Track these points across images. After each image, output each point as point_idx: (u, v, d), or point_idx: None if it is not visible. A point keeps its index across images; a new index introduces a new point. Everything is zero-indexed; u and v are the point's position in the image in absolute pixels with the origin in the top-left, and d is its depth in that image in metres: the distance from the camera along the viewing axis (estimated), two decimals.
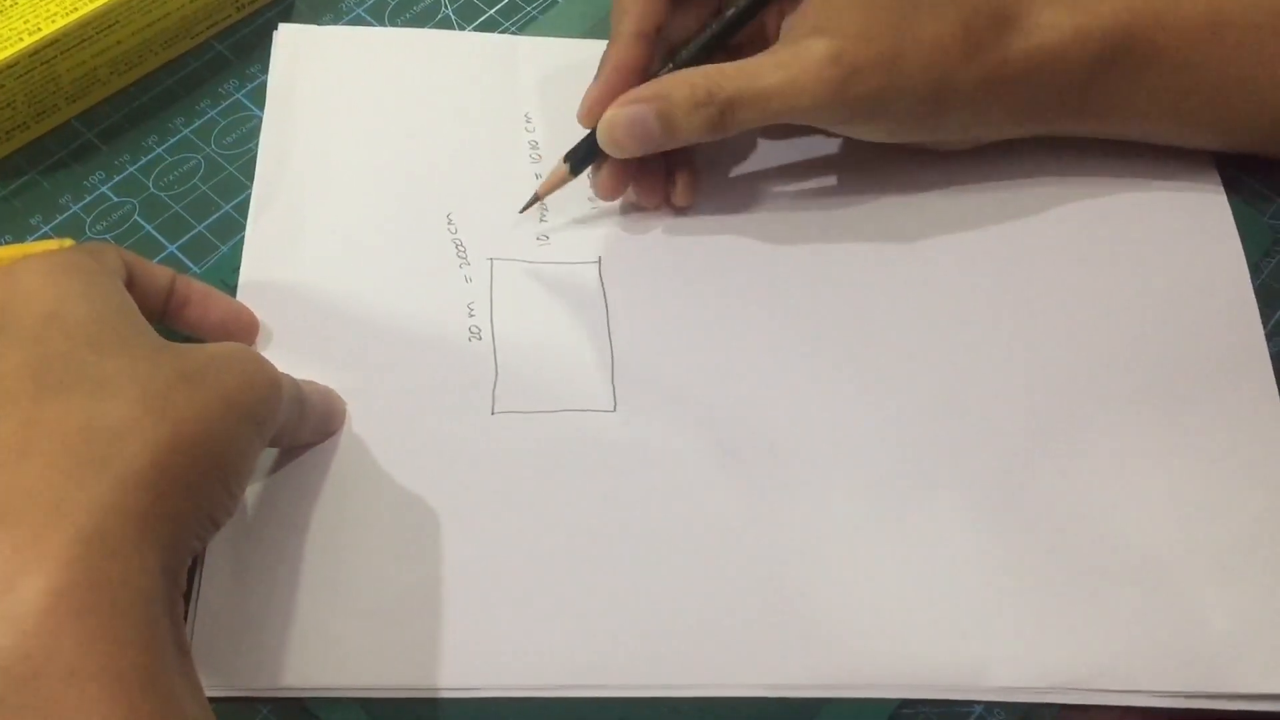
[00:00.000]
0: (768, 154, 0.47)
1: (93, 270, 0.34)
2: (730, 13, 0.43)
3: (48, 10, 0.44)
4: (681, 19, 0.44)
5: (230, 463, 0.32)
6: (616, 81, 0.42)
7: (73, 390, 0.30)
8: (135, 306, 0.34)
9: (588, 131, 0.43)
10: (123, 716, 0.26)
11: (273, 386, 0.34)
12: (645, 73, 0.43)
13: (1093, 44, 0.41)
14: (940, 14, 0.41)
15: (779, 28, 0.42)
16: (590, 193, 0.46)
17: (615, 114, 0.41)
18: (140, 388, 0.30)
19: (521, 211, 0.45)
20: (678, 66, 0.42)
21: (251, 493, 0.39)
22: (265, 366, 0.34)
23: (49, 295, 0.32)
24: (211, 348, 0.33)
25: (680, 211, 0.45)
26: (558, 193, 0.46)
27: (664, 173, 0.45)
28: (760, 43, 0.43)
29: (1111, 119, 0.44)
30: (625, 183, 0.44)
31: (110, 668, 0.27)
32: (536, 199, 0.45)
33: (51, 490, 0.28)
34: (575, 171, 0.44)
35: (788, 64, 0.40)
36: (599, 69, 0.43)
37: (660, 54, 0.44)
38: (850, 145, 0.47)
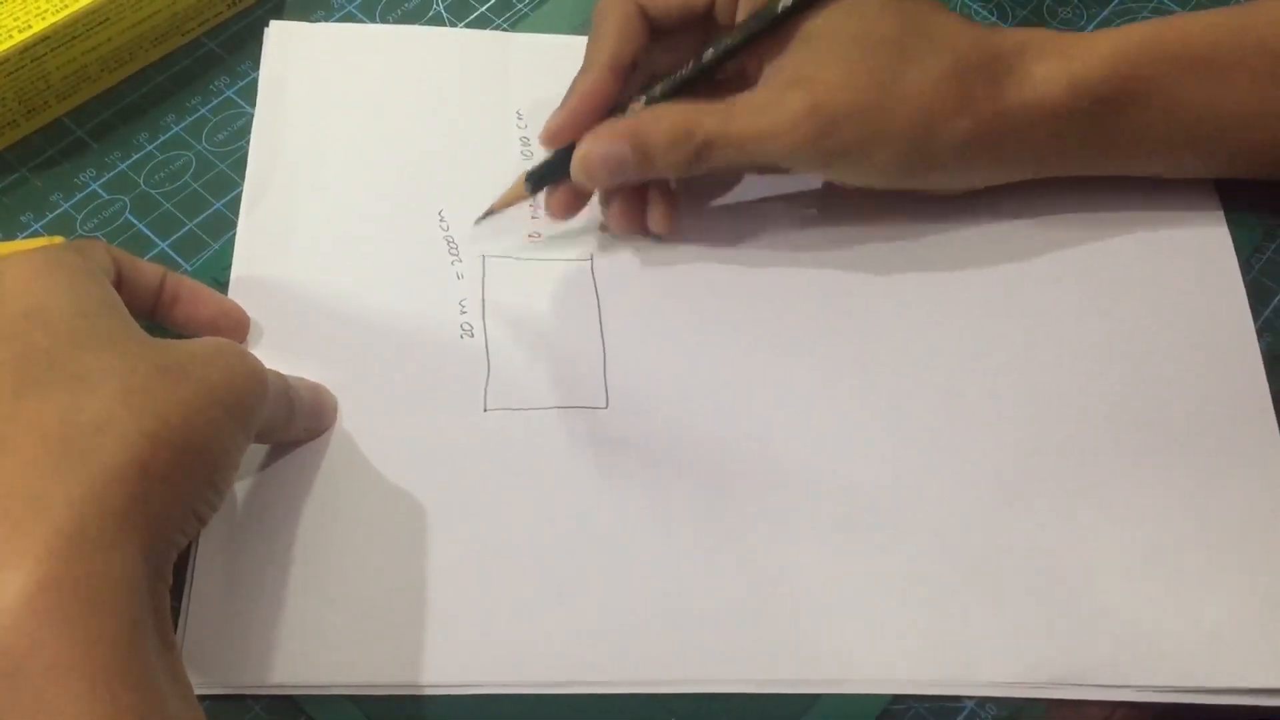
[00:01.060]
0: None
1: (77, 266, 0.33)
2: (709, 52, 0.41)
3: (38, 7, 0.44)
4: (660, 51, 0.43)
5: (214, 457, 0.32)
6: (583, 111, 0.41)
7: (53, 386, 0.30)
8: (120, 302, 0.34)
9: (550, 152, 0.42)
10: (104, 711, 0.26)
11: (257, 380, 0.34)
12: (613, 104, 0.42)
13: (1087, 95, 0.41)
14: (928, 65, 0.40)
15: (760, 66, 0.42)
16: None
17: (591, 148, 0.41)
18: (121, 382, 0.30)
19: (476, 223, 0.44)
20: (652, 101, 0.42)
21: (243, 490, 0.39)
22: (249, 360, 0.34)
23: (32, 291, 0.32)
24: (195, 343, 0.33)
25: (659, 239, 0.44)
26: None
27: (641, 201, 0.44)
28: (739, 81, 0.42)
29: (1103, 163, 0.44)
30: (579, 205, 0.44)
31: (91, 662, 0.27)
32: (490, 212, 0.44)
33: (30, 486, 0.28)
34: (534, 190, 0.43)
35: (765, 111, 0.40)
36: (567, 94, 0.42)
37: (634, 84, 0.43)
38: None
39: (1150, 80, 0.41)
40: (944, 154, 0.41)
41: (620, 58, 0.41)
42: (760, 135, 0.40)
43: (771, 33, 0.41)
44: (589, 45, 0.43)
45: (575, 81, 0.42)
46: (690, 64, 0.42)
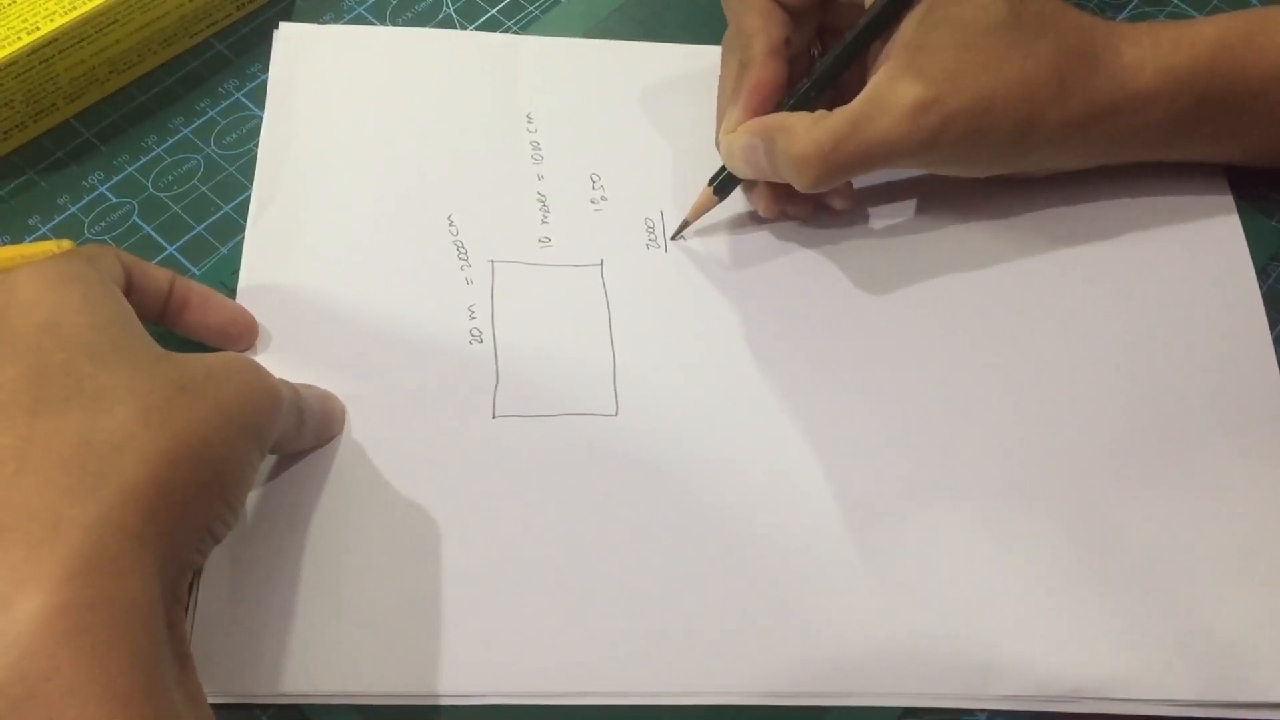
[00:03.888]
0: None
1: (91, 278, 0.33)
2: (838, 50, 0.42)
3: (46, 9, 0.44)
4: (797, 32, 0.43)
5: (230, 476, 0.31)
6: (757, 105, 0.42)
7: (70, 403, 0.29)
8: (134, 315, 0.34)
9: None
10: None
11: (272, 397, 0.34)
12: (784, 87, 0.42)
13: (1177, 84, 0.41)
14: (1033, 53, 0.40)
15: (877, 52, 0.42)
16: (592, 194, 0.46)
17: (733, 139, 0.42)
18: (139, 401, 0.30)
19: (672, 239, 0.45)
20: (796, 102, 0.42)
21: (250, 498, 0.38)
22: (264, 377, 0.34)
23: (47, 305, 0.32)
24: (210, 358, 0.33)
25: (836, 216, 0.45)
26: (560, 195, 0.46)
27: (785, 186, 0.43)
28: (857, 65, 0.42)
29: (1186, 149, 0.44)
30: (783, 201, 0.44)
31: (108, 686, 0.26)
32: (685, 225, 0.44)
33: (48, 507, 0.28)
34: (722, 196, 0.44)
35: (883, 111, 0.39)
36: (738, 93, 0.42)
37: (796, 67, 0.43)
38: None
39: (1233, 71, 0.42)
40: (1039, 142, 0.41)
41: (775, 42, 0.42)
42: (883, 141, 0.39)
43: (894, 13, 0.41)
44: (739, 42, 0.43)
45: (741, 78, 0.42)
46: (823, 61, 0.42)
